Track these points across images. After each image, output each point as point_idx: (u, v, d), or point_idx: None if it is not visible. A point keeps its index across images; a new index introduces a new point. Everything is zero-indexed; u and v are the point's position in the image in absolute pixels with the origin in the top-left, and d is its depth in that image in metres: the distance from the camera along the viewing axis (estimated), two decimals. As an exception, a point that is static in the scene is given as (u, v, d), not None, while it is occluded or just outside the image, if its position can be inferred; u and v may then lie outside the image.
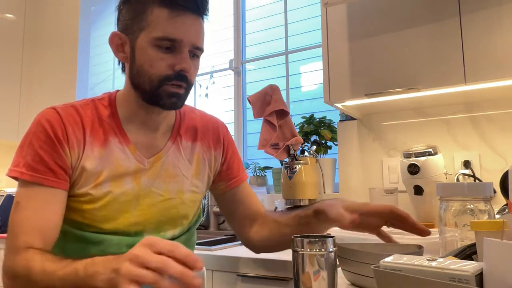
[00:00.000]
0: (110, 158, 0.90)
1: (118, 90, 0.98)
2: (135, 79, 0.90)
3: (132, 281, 0.58)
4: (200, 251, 1.40)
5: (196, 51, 0.90)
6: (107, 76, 3.14)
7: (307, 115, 2.06)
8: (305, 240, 0.57)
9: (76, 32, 2.79)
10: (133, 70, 0.90)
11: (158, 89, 0.87)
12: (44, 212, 0.83)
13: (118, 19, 0.94)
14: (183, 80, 0.88)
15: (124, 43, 0.91)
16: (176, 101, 0.89)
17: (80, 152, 0.88)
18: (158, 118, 0.96)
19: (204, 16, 0.92)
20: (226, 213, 1.12)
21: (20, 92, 2.76)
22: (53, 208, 0.85)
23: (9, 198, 2.16)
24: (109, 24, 3.13)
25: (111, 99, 0.95)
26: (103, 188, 0.88)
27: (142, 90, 0.90)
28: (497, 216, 0.99)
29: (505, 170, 1.18)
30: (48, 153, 0.85)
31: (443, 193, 0.85)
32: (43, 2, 2.93)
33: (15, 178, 0.87)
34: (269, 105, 1.79)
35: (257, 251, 1.11)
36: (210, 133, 1.06)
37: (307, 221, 0.95)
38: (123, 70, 0.97)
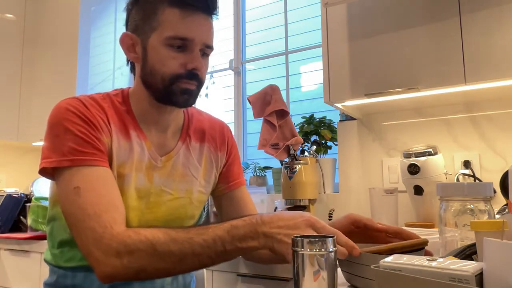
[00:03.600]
0: (132, 152, 0.90)
1: (129, 88, 0.98)
2: (148, 79, 0.91)
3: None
4: (200, 251, 1.40)
5: (206, 50, 0.92)
6: (107, 76, 3.14)
7: (307, 115, 2.06)
8: (305, 240, 0.57)
9: (76, 32, 2.78)
10: (146, 69, 0.91)
11: (171, 87, 0.88)
12: (109, 190, 0.81)
13: (128, 20, 0.94)
14: (195, 78, 0.89)
15: (135, 44, 0.92)
16: (188, 97, 0.90)
17: (109, 141, 0.88)
18: (169, 118, 0.97)
19: (214, 16, 0.93)
20: (221, 215, 1.12)
21: (20, 92, 2.76)
22: (114, 185, 0.83)
23: (9, 198, 2.16)
24: (109, 24, 3.13)
25: (124, 96, 0.95)
26: (123, 180, 0.88)
27: (155, 89, 0.90)
28: (497, 216, 0.99)
29: (505, 170, 1.19)
30: (88, 136, 0.83)
31: (443, 193, 0.85)
32: (43, 2, 2.93)
33: (48, 170, 0.83)
34: (269, 105, 1.79)
35: (245, 258, 1.11)
36: (217, 134, 1.07)
37: None
38: (132, 70, 0.97)
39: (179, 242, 0.74)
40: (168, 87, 0.88)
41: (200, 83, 0.91)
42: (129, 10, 0.94)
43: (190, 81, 0.89)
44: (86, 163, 0.81)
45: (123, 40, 0.93)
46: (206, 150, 1.03)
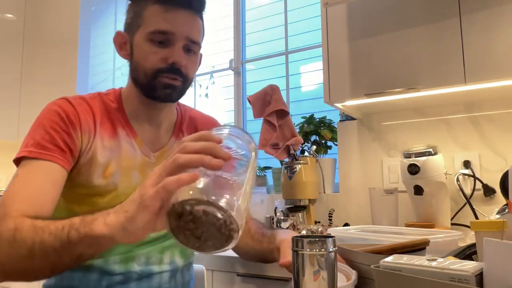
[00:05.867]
0: (119, 150, 0.91)
1: (121, 88, 1.00)
2: (134, 74, 0.93)
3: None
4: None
5: (191, 46, 0.92)
6: (107, 76, 3.14)
7: (307, 115, 2.06)
8: (305, 240, 0.57)
9: (76, 32, 2.79)
10: (132, 66, 0.94)
11: (153, 81, 0.90)
12: (41, 184, 0.80)
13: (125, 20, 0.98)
14: (177, 73, 0.90)
15: (126, 42, 0.94)
16: (171, 92, 0.91)
17: (91, 139, 0.88)
18: (160, 114, 0.98)
19: (202, 13, 0.94)
20: None
21: (20, 92, 2.76)
22: (52, 181, 0.82)
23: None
24: (109, 24, 3.13)
25: (116, 95, 0.97)
26: (112, 179, 0.89)
27: (140, 84, 0.92)
28: (497, 216, 1.00)
29: (505, 170, 1.18)
30: (58, 133, 0.84)
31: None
32: (43, 2, 2.93)
33: (20, 160, 0.83)
34: (269, 105, 1.79)
35: (239, 256, 1.11)
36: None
37: (264, 243, 0.95)
38: None
39: (35, 229, 0.65)
40: (150, 82, 0.90)
41: (185, 79, 0.92)
42: (126, 11, 0.97)
43: (172, 75, 0.89)
44: (41, 156, 0.81)
45: (115, 38, 0.96)
46: None
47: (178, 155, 0.56)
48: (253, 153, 0.63)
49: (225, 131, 0.66)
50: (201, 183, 0.54)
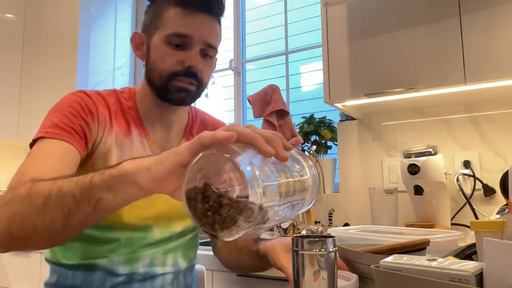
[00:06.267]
0: (131, 148, 0.92)
1: (137, 87, 1.01)
2: (149, 75, 0.94)
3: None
4: (200, 251, 1.39)
5: (208, 50, 0.93)
6: (107, 76, 3.14)
7: (307, 115, 2.06)
8: (305, 240, 0.57)
9: (76, 32, 2.78)
10: (148, 66, 0.94)
11: (167, 84, 0.90)
12: (56, 161, 0.79)
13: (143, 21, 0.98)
14: (192, 77, 0.90)
15: (143, 42, 0.95)
16: (185, 96, 0.91)
17: (106, 133, 0.89)
18: (172, 116, 0.98)
19: (220, 17, 0.95)
20: None
21: (20, 92, 2.76)
22: (67, 161, 0.81)
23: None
24: (109, 24, 3.13)
25: (130, 93, 0.98)
26: None
27: (154, 85, 0.93)
28: (497, 216, 1.00)
29: (505, 170, 1.18)
30: (76, 118, 0.85)
31: None
32: (43, 2, 2.93)
33: (34, 142, 0.82)
34: (269, 105, 1.79)
35: (223, 264, 1.08)
36: None
37: (254, 257, 0.90)
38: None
39: (54, 180, 0.62)
40: (164, 84, 0.90)
41: (200, 83, 0.92)
42: (145, 12, 0.97)
43: (188, 79, 0.89)
44: (57, 137, 0.81)
45: (132, 38, 0.97)
46: None
47: (235, 124, 0.54)
48: (310, 184, 0.58)
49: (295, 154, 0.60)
50: (242, 152, 0.48)
